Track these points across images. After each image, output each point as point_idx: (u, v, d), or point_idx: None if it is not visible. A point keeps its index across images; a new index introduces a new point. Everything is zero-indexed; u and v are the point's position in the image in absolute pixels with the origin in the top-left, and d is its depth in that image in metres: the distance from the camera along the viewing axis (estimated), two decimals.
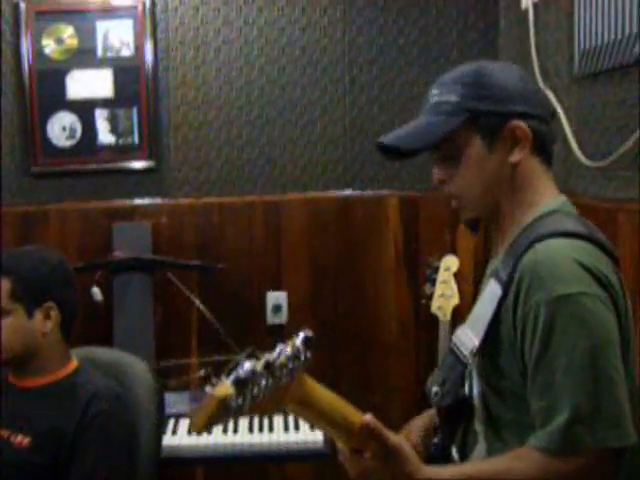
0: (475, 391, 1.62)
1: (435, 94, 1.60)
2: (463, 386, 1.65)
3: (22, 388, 2.14)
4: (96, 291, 3.02)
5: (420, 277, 3.15)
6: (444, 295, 2.88)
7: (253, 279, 3.26)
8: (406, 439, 1.77)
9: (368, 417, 1.43)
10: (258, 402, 1.20)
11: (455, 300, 2.85)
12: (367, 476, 1.46)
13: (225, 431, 2.71)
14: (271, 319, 3.25)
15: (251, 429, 2.74)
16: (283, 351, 1.25)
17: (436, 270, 2.93)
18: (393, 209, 3.26)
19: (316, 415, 1.40)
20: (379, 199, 3.26)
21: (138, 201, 3.25)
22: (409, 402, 3.23)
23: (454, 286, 2.86)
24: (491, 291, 1.54)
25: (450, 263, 2.91)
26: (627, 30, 2.11)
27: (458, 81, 1.58)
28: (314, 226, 3.27)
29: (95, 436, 2.01)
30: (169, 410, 2.62)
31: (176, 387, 3.00)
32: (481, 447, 1.60)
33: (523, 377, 1.46)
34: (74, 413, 2.03)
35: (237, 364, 1.20)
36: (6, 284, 2.09)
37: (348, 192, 3.27)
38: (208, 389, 1.17)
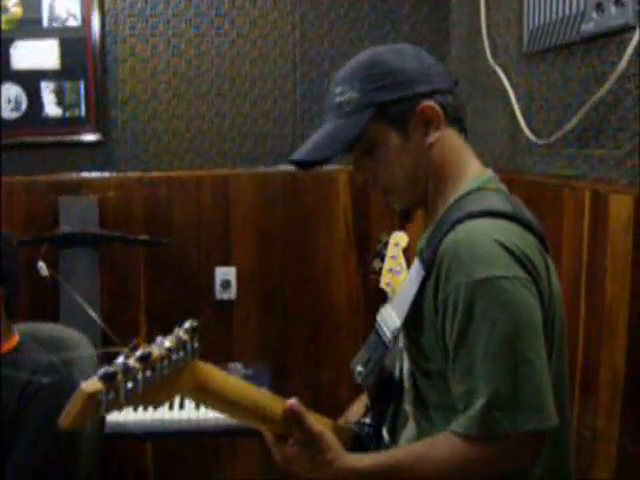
0: (405, 372, 1.62)
1: (336, 93, 1.57)
2: (385, 366, 1.65)
3: None
4: (42, 266, 2.98)
5: (369, 253, 3.16)
6: (393, 270, 2.88)
7: (202, 254, 3.25)
8: (347, 420, 1.79)
9: (292, 402, 1.43)
10: (138, 394, 1.18)
11: (404, 276, 2.86)
12: (291, 462, 1.47)
13: (171, 407, 2.70)
14: (220, 294, 3.24)
15: (198, 405, 2.73)
16: (162, 343, 1.23)
17: (385, 245, 2.93)
18: (343, 185, 3.26)
19: (221, 402, 1.39)
20: (329, 174, 3.25)
21: (85, 175, 3.21)
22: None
23: (403, 262, 2.86)
24: (414, 271, 1.52)
25: (399, 239, 2.91)
26: (574, 8, 2.12)
27: (355, 76, 1.55)
28: (263, 201, 3.25)
29: (36, 411, 1.98)
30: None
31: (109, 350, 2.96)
32: (411, 428, 1.61)
33: (446, 360, 1.45)
34: (15, 389, 2.00)
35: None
36: None
37: None
38: (81, 384, 1.15)
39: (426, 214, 1.63)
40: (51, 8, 3.12)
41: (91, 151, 3.21)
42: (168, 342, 1.23)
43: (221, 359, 3.02)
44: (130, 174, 3.22)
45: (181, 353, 1.24)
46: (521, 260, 1.40)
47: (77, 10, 3.12)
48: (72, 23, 3.13)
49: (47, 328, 2.42)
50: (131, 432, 2.65)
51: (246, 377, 2.84)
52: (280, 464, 1.49)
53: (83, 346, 2.35)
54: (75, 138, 3.19)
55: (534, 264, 1.43)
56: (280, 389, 2.90)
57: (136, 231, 3.15)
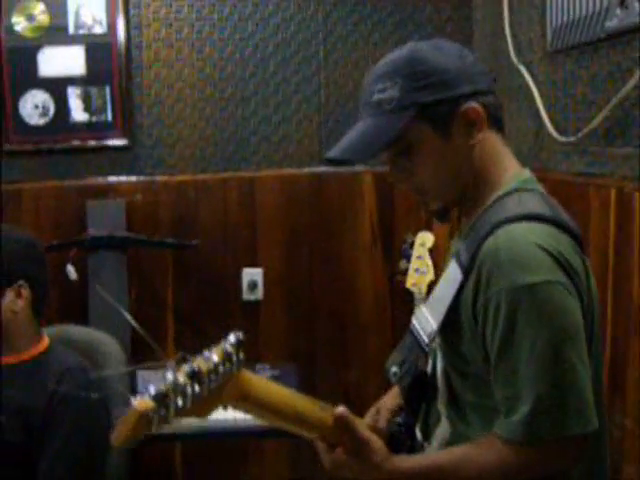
0: (439, 372, 1.61)
1: (375, 90, 1.52)
2: (421, 369, 1.64)
3: None
4: (71, 269, 3.01)
5: (395, 253, 3.16)
6: (419, 271, 2.88)
7: (228, 256, 3.26)
8: (374, 419, 1.79)
9: (341, 411, 1.44)
10: (187, 410, 1.20)
11: (430, 276, 2.86)
12: (340, 468, 1.48)
13: None
14: (247, 296, 3.25)
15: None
16: (210, 357, 1.24)
17: (411, 246, 2.93)
18: (368, 185, 3.26)
19: (262, 410, 1.40)
20: (354, 176, 3.25)
21: (112, 179, 3.23)
22: (384, 378, 3.24)
23: (429, 262, 2.86)
24: (451, 274, 1.50)
25: (425, 239, 2.91)
26: (598, 5, 2.11)
27: (396, 74, 1.50)
28: (289, 203, 3.26)
29: (66, 414, 2.01)
30: (143, 387, 2.62)
31: (150, 365, 2.99)
32: (444, 428, 1.60)
33: (486, 363, 1.44)
34: (44, 391, 2.02)
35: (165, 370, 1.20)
36: None
37: (323, 169, 3.27)
38: (132, 401, 1.16)
39: (462, 214, 1.61)
40: (77, 15, 3.15)
41: (118, 155, 3.24)
42: (215, 356, 1.24)
43: (248, 360, 3.03)
44: (156, 178, 3.24)
45: (227, 365, 1.25)
46: (562, 264, 1.39)
47: (103, 17, 3.15)
48: (98, 30, 3.16)
49: (77, 331, 2.46)
50: (161, 434, 2.64)
51: (274, 378, 2.85)
52: (329, 471, 1.50)
53: (112, 348, 2.38)
54: (102, 143, 3.22)
55: (574, 267, 1.42)
56: (308, 390, 2.91)
57: (163, 234, 3.17)
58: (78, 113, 3.20)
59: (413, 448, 1.70)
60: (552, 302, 1.37)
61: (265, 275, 3.26)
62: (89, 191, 3.19)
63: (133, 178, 3.24)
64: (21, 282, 2.11)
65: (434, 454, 1.58)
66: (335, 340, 3.32)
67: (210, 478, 3.32)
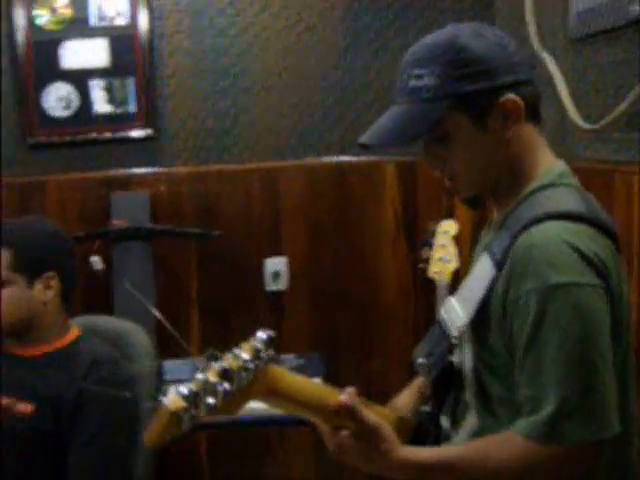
0: (467, 364, 1.59)
1: (411, 76, 1.48)
2: (449, 361, 1.63)
3: (23, 357, 2.16)
4: (96, 260, 3.03)
5: (418, 242, 3.16)
6: (442, 259, 2.88)
7: (252, 246, 3.27)
8: (398, 408, 1.79)
9: (345, 397, 1.41)
10: (218, 408, 1.20)
11: (454, 264, 2.86)
12: (344, 453, 1.45)
13: None
14: (270, 285, 3.27)
15: None
16: (240, 354, 1.24)
17: (434, 234, 2.93)
18: (390, 174, 3.27)
19: (287, 402, 1.40)
20: (376, 165, 3.26)
21: (136, 170, 3.25)
22: (407, 366, 3.25)
23: (453, 250, 2.86)
24: (483, 268, 1.49)
25: (448, 227, 2.90)
26: None
27: (434, 60, 1.46)
28: (312, 192, 3.27)
29: (95, 405, 2.03)
30: (169, 377, 2.64)
31: (175, 354, 3.01)
32: (471, 419, 1.59)
33: (513, 358, 1.43)
34: (75, 380, 2.05)
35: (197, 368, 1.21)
36: (6, 255, 2.10)
37: (345, 158, 3.27)
38: (162, 399, 1.16)
39: (493, 204, 1.60)
40: (99, 7, 3.16)
41: (141, 147, 3.25)
42: (245, 353, 1.25)
43: (273, 347, 3.04)
44: (180, 169, 3.26)
45: (257, 363, 1.26)
46: (596, 265, 1.38)
47: (125, 8, 3.16)
48: (120, 21, 3.17)
49: (105, 321, 2.48)
50: None
51: (299, 367, 2.86)
52: (333, 455, 1.47)
53: (140, 338, 2.39)
54: (125, 134, 3.24)
55: (608, 269, 1.40)
56: (332, 379, 2.93)
57: (187, 225, 3.18)
58: (101, 105, 3.21)
59: (439, 438, 1.70)
60: (581, 304, 1.36)
61: (288, 265, 3.27)
62: (113, 183, 3.20)
63: (157, 169, 3.25)
64: (50, 273, 2.14)
65: (449, 447, 1.57)
66: (359, 329, 3.33)
67: (235, 468, 3.34)
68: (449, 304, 1.61)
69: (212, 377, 1.19)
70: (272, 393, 1.34)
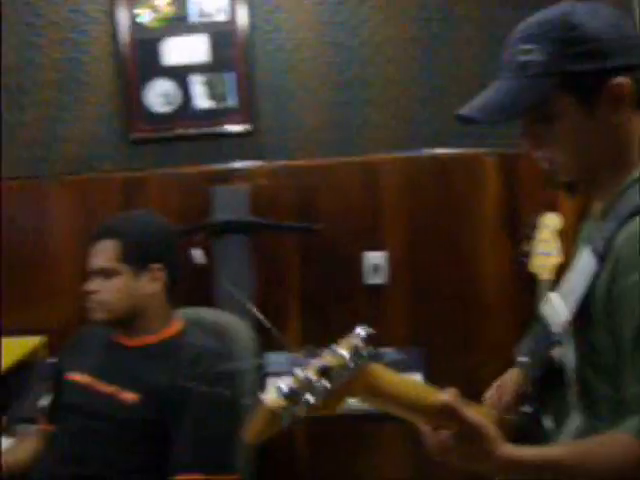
0: (570, 362, 1.54)
1: (519, 50, 1.43)
2: (552, 359, 1.59)
3: (129, 347, 2.20)
4: (198, 253, 3.07)
5: (520, 236, 3.10)
6: (544, 253, 2.82)
7: (351, 239, 3.27)
8: (497, 400, 1.75)
9: (447, 397, 1.37)
10: (317, 406, 1.19)
11: (557, 258, 2.80)
12: (447, 453, 1.40)
13: None
14: (370, 279, 3.26)
15: None
16: (339, 353, 1.23)
17: (535, 228, 2.87)
18: (491, 167, 3.21)
19: (387, 401, 1.37)
20: (477, 157, 3.21)
21: (236, 164, 3.28)
22: (507, 361, 3.20)
23: (555, 244, 2.81)
24: (585, 262, 1.44)
25: (551, 221, 2.85)
26: None
27: (545, 36, 1.40)
28: (411, 185, 3.24)
29: (198, 396, 2.05)
30: (268, 369, 2.66)
31: (276, 347, 3.03)
32: (575, 419, 1.55)
33: (619, 354, 1.37)
34: (179, 371, 2.08)
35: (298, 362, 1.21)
36: (115, 246, 2.15)
37: (445, 150, 3.23)
38: (262, 397, 1.17)
39: (591, 193, 1.54)
40: (200, 4, 3.20)
41: (241, 141, 3.28)
42: (345, 351, 1.23)
43: (372, 344, 3.03)
44: (279, 162, 3.27)
45: (356, 360, 1.24)
46: None
47: (225, 4, 3.19)
48: (220, 17, 3.21)
49: (209, 314, 2.51)
50: None
51: (397, 362, 2.85)
52: (433, 455, 1.42)
53: (243, 333, 2.41)
54: (225, 129, 3.27)
55: None
56: (432, 374, 2.91)
57: (286, 219, 3.20)
58: (202, 100, 3.26)
59: (541, 437, 1.66)
60: None
61: (388, 258, 3.25)
62: (213, 177, 3.24)
63: (256, 163, 3.28)
64: (157, 265, 2.17)
65: (553, 448, 1.51)
66: (459, 323, 3.29)
67: (332, 463, 3.34)
68: (551, 300, 1.56)
69: (312, 375, 1.19)
70: (371, 391, 1.32)
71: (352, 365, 1.24)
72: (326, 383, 1.20)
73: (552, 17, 1.43)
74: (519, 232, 3.13)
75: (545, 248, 2.83)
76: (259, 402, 1.18)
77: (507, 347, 3.23)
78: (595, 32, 1.39)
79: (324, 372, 1.20)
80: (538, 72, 1.40)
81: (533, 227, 2.89)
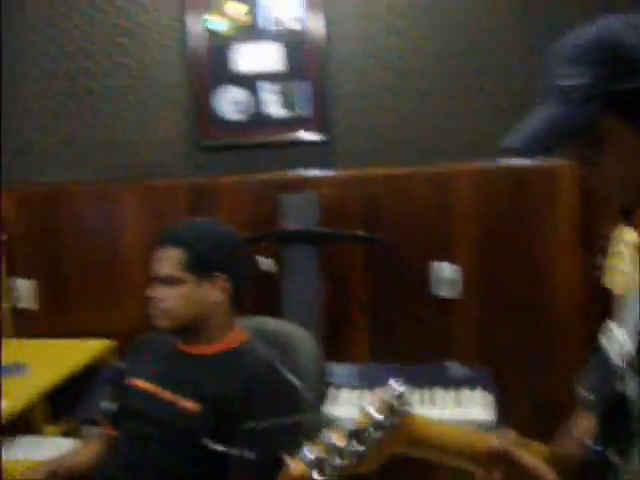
0: (633, 394, 1.47)
1: (561, 75, 1.36)
2: (616, 392, 1.53)
3: (190, 355, 2.20)
4: (268, 261, 3.07)
5: (595, 249, 3.02)
6: (618, 268, 2.74)
7: (420, 250, 3.23)
8: (561, 445, 1.69)
9: (496, 442, 1.34)
10: (348, 468, 1.19)
11: (628, 276, 2.71)
12: None
13: None
14: (439, 291, 3.21)
15: (422, 401, 2.71)
16: (371, 413, 1.21)
17: (610, 241, 2.79)
18: (567, 178, 3.13)
19: (433, 451, 1.35)
20: (552, 168, 3.14)
21: (307, 173, 3.28)
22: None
23: (630, 260, 2.72)
24: None
25: (626, 235, 2.76)
26: None
27: (585, 58, 1.33)
28: (484, 196, 3.20)
29: (259, 406, 2.04)
30: (333, 381, 2.64)
31: (341, 359, 3.01)
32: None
33: None
34: (239, 382, 2.06)
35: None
36: (179, 254, 2.15)
37: (519, 161, 3.17)
38: (288, 462, 1.19)
39: None
40: (274, 13, 3.21)
41: (313, 150, 3.28)
42: (377, 409, 1.22)
43: (438, 357, 2.99)
44: (349, 171, 3.26)
45: (390, 418, 1.23)
46: None
47: (299, 13, 3.19)
48: (294, 26, 3.21)
49: (274, 324, 2.49)
50: None
51: (462, 379, 2.79)
52: None
53: (307, 344, 2.39)
54: (298, 137, 3.28)
55: None
56: (499, 392, 2.83)
57: (354, 228, 3.19)
58: (275, 108, 3.25)
59: (606, 474, 1.59)
60: None
61: (459, 271, 3.21)
62: (284, 185, 3.24)
63: (326, 172, 3.26)
64: (221, 274, 2.16)
65: None
66: (531, 341, 3.22)
67: None
68: (611, 331, 1.51)
69: (339, 441, 1.19)
70: (415, 443, 1.31)
71: (388, 423, 1.22)
72: (358, 447, 1.19)
73: (591, 37, 1.36)
74: (594, 245, 3.05)
75: (619, 263, 2.75)
76: (285, 466, 1.20)
77: (578, 364, 3.17)
78: (634, 48, 1.32)
79: (353, 435, 1.19)
80: (581, 96, 1.34)
81: (607, 240, 2.81)
